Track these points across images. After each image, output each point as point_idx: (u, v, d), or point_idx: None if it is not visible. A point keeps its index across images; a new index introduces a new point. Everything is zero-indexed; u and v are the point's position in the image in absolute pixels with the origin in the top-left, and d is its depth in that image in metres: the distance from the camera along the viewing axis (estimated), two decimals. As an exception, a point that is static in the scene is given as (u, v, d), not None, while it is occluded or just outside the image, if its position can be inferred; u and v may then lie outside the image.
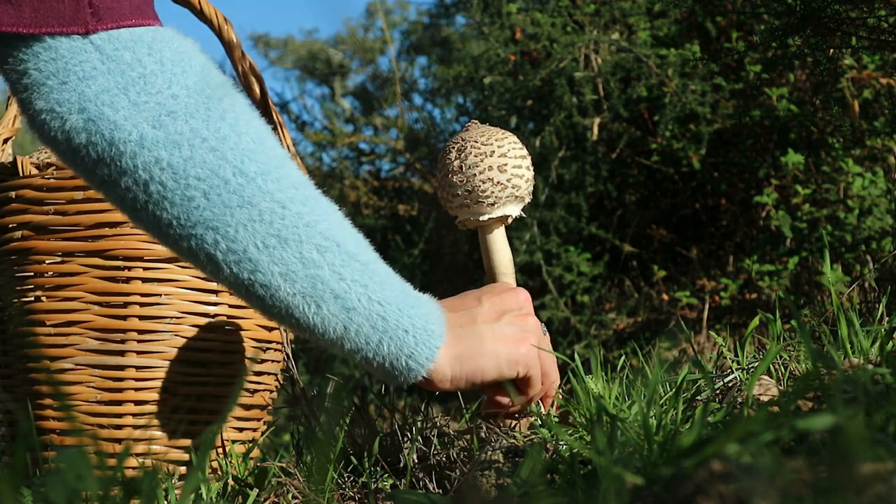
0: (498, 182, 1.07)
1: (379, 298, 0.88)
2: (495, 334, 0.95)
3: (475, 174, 1.07)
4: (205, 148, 0.83)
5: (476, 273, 3.11)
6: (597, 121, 3.00)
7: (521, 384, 0.98)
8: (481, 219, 1.09)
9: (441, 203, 1.14)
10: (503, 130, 1.12)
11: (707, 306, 2.79)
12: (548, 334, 1.02)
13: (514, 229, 2.95)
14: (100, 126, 0.82)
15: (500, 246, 1.11)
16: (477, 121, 1.13)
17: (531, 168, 1.11)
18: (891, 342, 0.94)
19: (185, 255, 0.89)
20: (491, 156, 1.08)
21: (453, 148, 1.10)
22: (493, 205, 1.08)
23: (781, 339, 1.03)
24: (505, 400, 0.99)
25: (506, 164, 1.08)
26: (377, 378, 0.94)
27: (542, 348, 0.98)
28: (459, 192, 1.08)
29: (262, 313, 0.91)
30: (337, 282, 0.87)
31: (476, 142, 1.09)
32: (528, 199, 1.12)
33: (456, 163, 1.09)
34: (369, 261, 0.90)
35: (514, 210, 1.10)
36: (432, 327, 0.90)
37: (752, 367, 1.00)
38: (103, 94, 0.82)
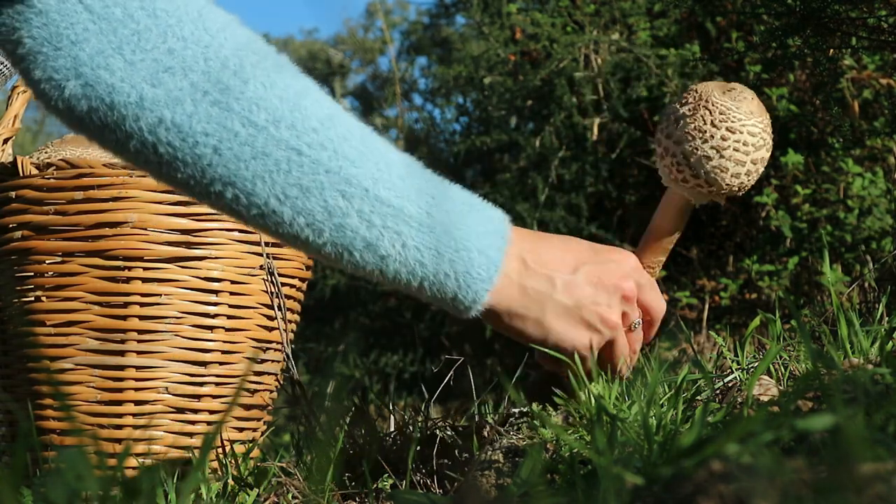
0: (761, 164, 0.95)
1: (416, 244, 0.82)
2: (560, 315, 0.88)
3: (748, 163, 0.93)
4: (207, 101, 0.79)
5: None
6: (597, 121, 3.01)
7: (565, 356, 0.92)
8: (710, 191, 0.95)
9: (676, 177, 0.96)
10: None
11: (707, 306, 2.79)
12: (640, 327, 0.93)
13: (514, 229, 2.95)
14: (98, 90, 0.79)
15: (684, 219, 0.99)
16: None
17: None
18: (891, 342, 0.94)
19: (219, 211, 0.85)
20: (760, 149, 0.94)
21: (757, 126, 0.94)
22: (734, 190, 0.95)
23: (781, 339, 1.03)
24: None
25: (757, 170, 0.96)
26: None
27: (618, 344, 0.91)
28: (735, 176, 0.93)
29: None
30: (367, 229, 0.81)
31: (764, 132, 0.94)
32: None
33: (756, 141, 0.93)
34: (405, 203, 0.82)
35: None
36: (478, 270, 0.84)
37: (752, 367, 1.00)
38: (97, 56, 0.78)
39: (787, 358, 1.01)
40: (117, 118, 0.79)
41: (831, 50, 1.64)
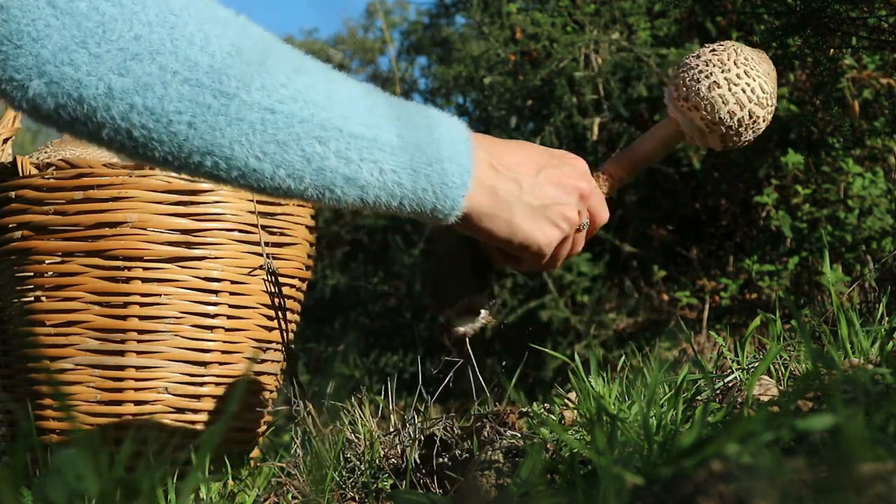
0: (755, 127, 1.01)
1: (391, 167, 0.86)
2: (528, 214, 0.92)
3: (759, 115, 1.00)
4: (177, 81, 0.79)
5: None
6: (597, 121, 3.00)
7: (524, 259, 0.97)
8: (705, 128, 1.00)
9: (680, 93, 1.01)
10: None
11: (707, 306, 2.79)
12: (586, 229, 0.98)
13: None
14: (64, 87, 0.78)
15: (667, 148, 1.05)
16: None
17: None
18: (891, 342, 0.94)
19: (195, 177, 0.87)
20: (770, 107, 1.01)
21: (768, 76, 1.00)
22: (722, 129, 1.00)
23: (781, 339, 1.03)
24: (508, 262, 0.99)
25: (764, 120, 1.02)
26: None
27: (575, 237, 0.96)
28: (731, 114, 0.98)
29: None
30: (345, 166, 0.84)
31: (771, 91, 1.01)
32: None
33: (765, 95, 1.00)
34: (377, 132, 0.85)
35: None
36: (453, 179, 0.88)
37: (752, 367, 1.00)
38: (61, 52, 0.77)
39: (788, 358, 1.01)
40: (87, 111, 0.79)
41: (831, 50, 1.64)
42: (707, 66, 1.00)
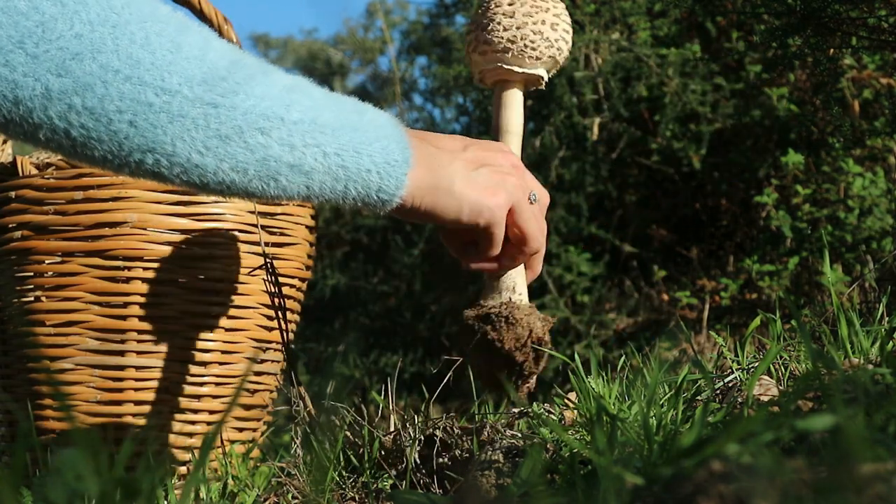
0: (547, 38, 1.06)
1: (334, 150, 0.86)
2: (467, 179, 0.93)
3: (527, 23, 1.06)
4: (119, 79, 0.78)
5: (477, 274, 3.11)
6: (597, 120, 3.00)
7: (482, 239, 0.97)
8: (516, 70, 1.07)
9: (465, 52, 1.12)
10: None
11: (707, 306, 2.79)
12: (538, 202, 0.99)
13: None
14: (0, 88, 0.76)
15: (517, 105, 1.09)
16: None
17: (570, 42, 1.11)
18: (891, 342, 0.94)
19: (133, 177, 0.85)
20: (546, 12, 1.07)
21: None
22: (535, 59, 1.07)
23: (781, 339, 1.03)
24: (467, 258, 0.99)
25: (558, 24, 1.07)
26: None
27: (523, 212, 0.97)
28: (500, 39, 1.06)
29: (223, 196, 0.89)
30: (289, 153, 0.84)
31: None
32: (557, 68, 1.11)
33: (508, 8, 1.07)
34: (317, 115, 0.86)
35: (545, 74, 1.09)
36: (395, 157, 0.88)
37: (753, 367, 1.00)
38: None
39: (788, 358, 1.01)
40: (23, 112, 0.78)
41: (831, 50, 1.64)
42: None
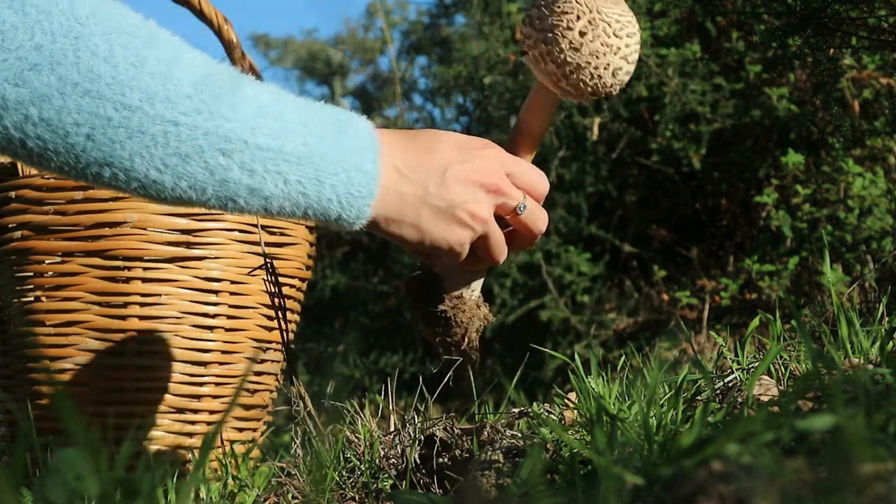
0: (612, 76, 0.95)
1: (297, 178, 0.84)
2: (436, 215, 0.90)
3: (590, 63, 0.93)
4: (78, 93, 0.77)
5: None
6: (597, 120, 3.00)
7: (444, 255, 0.95)
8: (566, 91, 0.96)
9: (519, 31, 0.99)
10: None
11: (707, 306, 2.79)
12: (527, 209, 0.95)
13: (514, 229, 2.95)
14: None
15: (548, 111, 1.02)
16: None
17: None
18: (891, 342, 0.94)
19: (92, 185, 0.84)
20: (615, 53, 0.94)
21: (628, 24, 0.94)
22: (590, 94, 0.96)
23: (781, 339, 1.03)
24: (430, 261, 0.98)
25: (628, 58, 0.95)
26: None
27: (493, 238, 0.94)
28: (560, 62, 0.93)
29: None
30: (249, 177, 0.83)
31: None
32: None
33: (578, 38, 0.93)
34: (283, 143, 0.84)
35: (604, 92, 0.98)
36: (359, 189, 0.87)
37: (753, 367, 1.00)
38: None
39: (788, 358, 1.01)
40: None
41: (831, 50, 1.64)
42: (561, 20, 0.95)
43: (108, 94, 0.78)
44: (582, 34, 0.94)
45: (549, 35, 0.94)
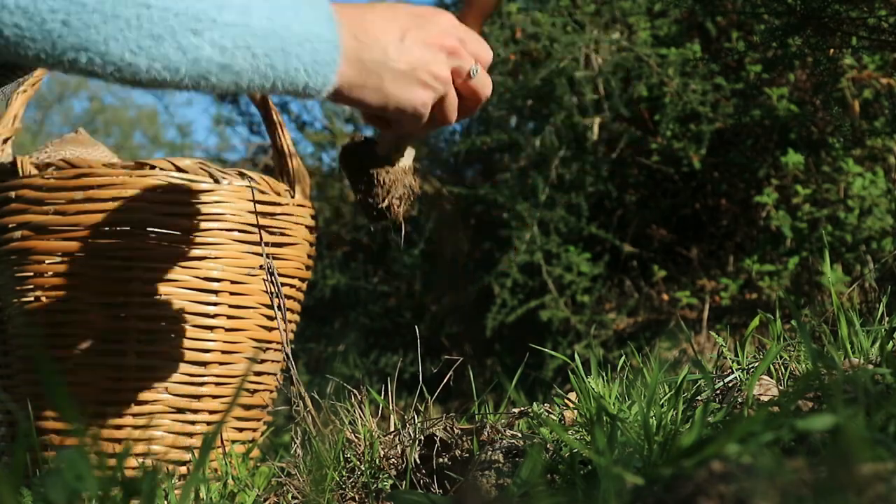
0: None
1: (264, 51, 0.88)
2: (397, 77, 0.95)
3: None
4: None
5: (477, 274, 3.11)
6: (597, 120, 3.00)
7: (403, 120, 0.99)
8: None
9: None
10: None
11: (707, 306, 2.79)
12: (478, 73, 1.00)
13: (515, 229, 2.95)
14: None
15: None
16: None
17: None
18: (891, 342, 0.94)
19: (67, 72, 0.86)
20: None
21: None
22: None
23: (781, 339, 1.03)
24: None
25: None
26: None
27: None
28: None
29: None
30: (220, 54, 0.86)
31: None
32: None
33: None
34: (249, 18, 0.87)
35: None
36: (322, 57, 0.90)
37: (753, 367, 1.00)
38: None
39: (788, 358, 1.01)
40: None
41: (831, 50, 1.64)
42: None
43: None
44: None
45: None
